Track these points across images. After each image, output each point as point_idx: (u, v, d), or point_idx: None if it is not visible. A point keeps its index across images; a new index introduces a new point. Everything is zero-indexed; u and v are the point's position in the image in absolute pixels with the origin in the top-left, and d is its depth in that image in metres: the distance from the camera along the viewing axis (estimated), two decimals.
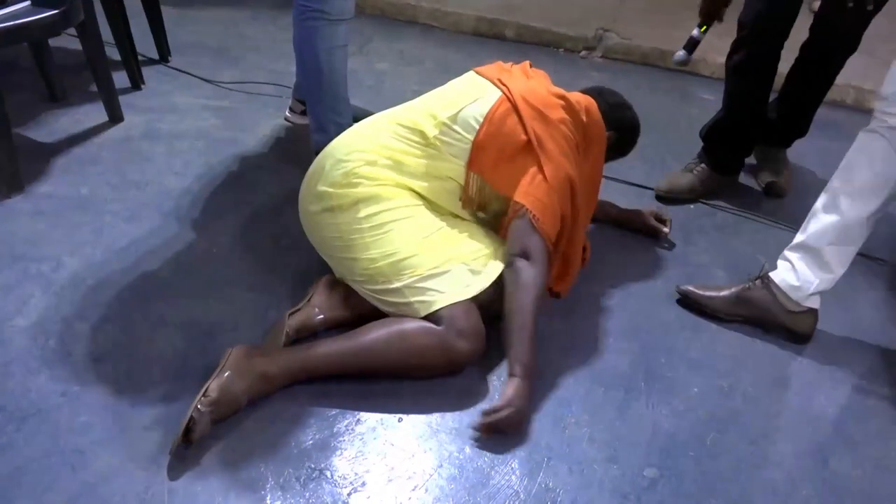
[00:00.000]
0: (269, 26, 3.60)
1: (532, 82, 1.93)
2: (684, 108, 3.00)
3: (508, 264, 1.79)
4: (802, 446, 1.67)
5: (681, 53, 2.38)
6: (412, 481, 1.54)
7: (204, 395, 1.59)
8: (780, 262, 1.97)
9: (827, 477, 1.61)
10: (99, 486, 1.49)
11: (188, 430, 1.55)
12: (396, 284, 1.75)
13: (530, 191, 1.82)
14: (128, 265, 2.05)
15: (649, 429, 1.68)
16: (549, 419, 1.69)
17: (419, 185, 1.83)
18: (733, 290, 2.00)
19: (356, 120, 2.65)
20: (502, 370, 1.79)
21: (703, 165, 2.52)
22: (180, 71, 3.03)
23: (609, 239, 2.28)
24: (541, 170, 1.82)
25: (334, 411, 1.68)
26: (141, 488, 1.50)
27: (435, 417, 1.68)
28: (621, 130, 2.08)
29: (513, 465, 1.58)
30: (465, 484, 1.54)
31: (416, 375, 1.74)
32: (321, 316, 1.83)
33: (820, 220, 1.86)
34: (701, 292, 2.02)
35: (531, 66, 2.07)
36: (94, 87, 2.74)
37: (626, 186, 2.54)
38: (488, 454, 1.60)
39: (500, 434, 1.63)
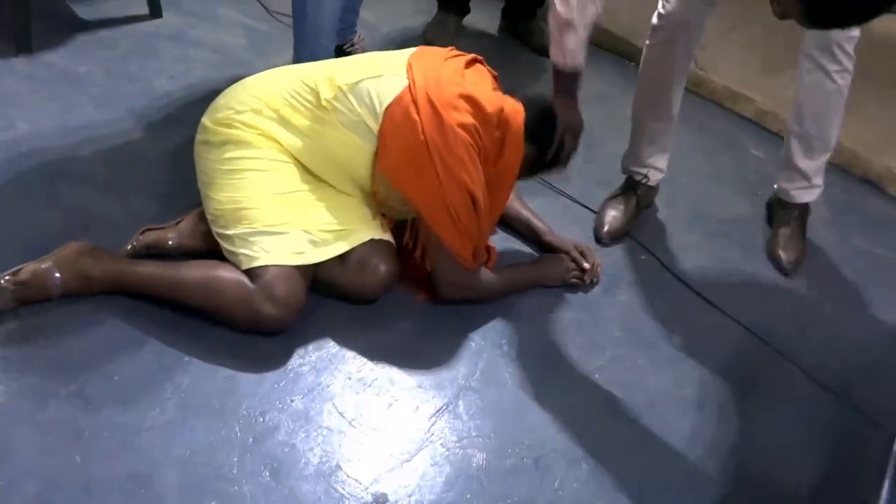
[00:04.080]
0: None
1: (448, 74, 1.80)
2: (720, 156, 2.74)
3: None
4: None
5: None
6: (156, 418, 1.56)
7: (13, 273, 1.68)
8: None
9: None
10: None
11: None
12: (230, 232, 1.75)
13: (435, 216, 1.79)
14: (66, 144, 2.18)
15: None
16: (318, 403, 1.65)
17: (297, 147, 1.80)
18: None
19: None
20: (312, 350, 1.77)
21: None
22: None
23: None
24: (439, 182, 1.74)
25: (135, 332, 1.72)
26: None
27: (222, 371, 1.68)
28: (544, 150, 1.90)
29: (249, 441, 1.56)
30: (204, 439, 1.54)
31: (223, 323, 1.74)
32: (173, 242, 1.87)
33: None
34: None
35: (482, 62, 1.95)
36: None
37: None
38: (241, 422, 1.59)
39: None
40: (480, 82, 1.87)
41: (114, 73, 2.51)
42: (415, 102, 1.73)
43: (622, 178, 2.49)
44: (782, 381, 1.96)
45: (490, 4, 3.29)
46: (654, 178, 2.35)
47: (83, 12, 2.77)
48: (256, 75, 1.92)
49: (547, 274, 2.07)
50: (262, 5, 3.03)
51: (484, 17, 3.24)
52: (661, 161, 2.34)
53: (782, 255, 2.31)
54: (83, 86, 2.42)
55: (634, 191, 2.34)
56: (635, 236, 2.29)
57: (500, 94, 1.89)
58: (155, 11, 2.80)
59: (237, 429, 1.58)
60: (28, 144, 2.16)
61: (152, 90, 2.47)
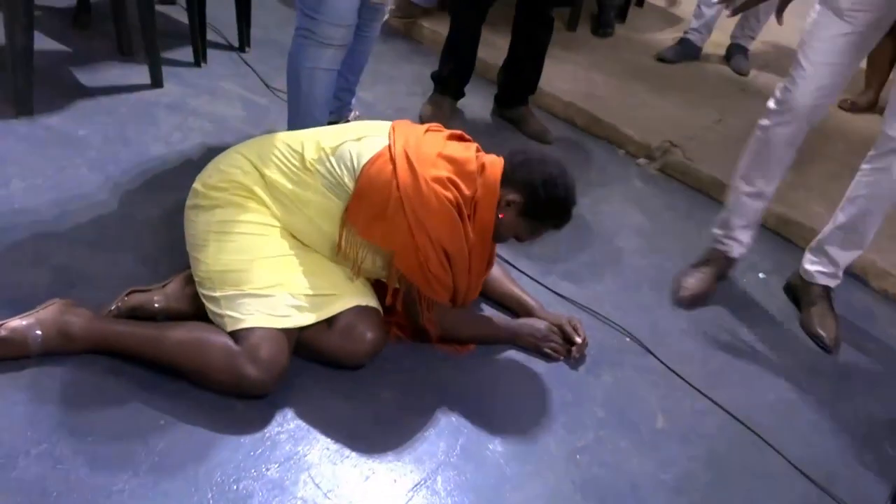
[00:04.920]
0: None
1: (429, 139, 1.87)
2: (706, 244, 2.76)
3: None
4: None
5: None
6: (127, 481, 1.52)
7: None
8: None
9: None
10: None
11: None
12: (217, 293, 1.75)
13: (405, 262, 1.82)
14: (58, 204, 2.20)
15: None
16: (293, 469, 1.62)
17: (281, 212, 1.83)
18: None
19: None
20: (291, 417, 1.74)
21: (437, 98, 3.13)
22: (247, 64, 3.20)
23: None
24: (411, 234, 1.78)
25: (113, 392, 1.70)
26: None
27: (198, 435, 1.65)
28: (531, 190, 1.87)
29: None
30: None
31: (204, 385, 1.72)
32: (159, 305, 1.85)
33: None
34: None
35: (466, 137, 2.00)
36: (164, 55, 2.98)
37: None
38: (214, 489, 1.55)
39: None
40: (461, 148, 1.92)
41: (111, 137, 2.55)
42: (392, 160, 1.78)
43: (609, 263, 2.52)
44: (765, 468, 1.94)
45: (484, 89, 3.38)
46: (737, 251, 2.48)
47: (85, 79, 2.83)
48: (248, 140, 1.96)
49: (522, 332, 2.08)
50: (262, 81, 3.10)
51: (478, 101, 3.33)
52: (747, 236, 2.48)
53: (822, 333, 2.41)
54: (80, 148, 2.45)
55: (716, 261, 2.48)
56: (618, 320, 2.29)
57: (483, 154, 1.94)
58: (156, 81, 2.86)
59: (210, 495, 1.54)
60: (20, 202, 2.17)
61: (148, 155, 2.50)
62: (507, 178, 1.89)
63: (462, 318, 2.02)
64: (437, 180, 1.79)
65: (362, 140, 1.82)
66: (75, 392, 1.68)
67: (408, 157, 1.78)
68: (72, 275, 1.97)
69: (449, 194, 1.80)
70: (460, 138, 1.96)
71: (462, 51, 3.06)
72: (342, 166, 1.80)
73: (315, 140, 1.85)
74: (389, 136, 1.83)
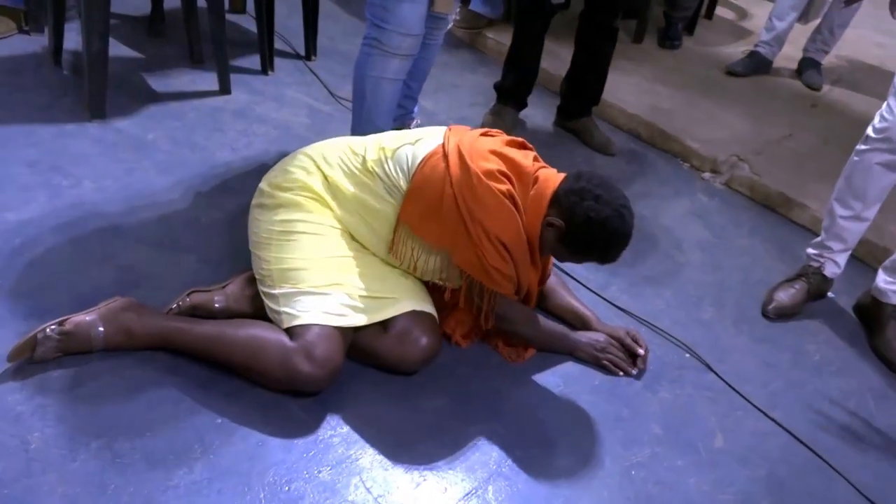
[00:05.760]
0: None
1: (484, 140, 1.86)
2: (771, 262, 2.69)
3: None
4: None
5: None
6: (182, 477, 1.55)
7: (60, 323, 1.71)
8: None
9: None
10: None
11: (32, 347, 1.68)
12: (276, 291, 1.78)
13: (463, 258, 1.82)
14: (126, 204, 2.26)
15: None
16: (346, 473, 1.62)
17: (340, 210, 1.85)
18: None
19: None
20: (344, 420, 1.75)
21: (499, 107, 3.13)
22: (313, 73, 3.25)
23: None
24: (466, 230, 1.78)
25: (171, 390, 1.73)
26: None
27: (252, 435, 1.67)
28: (573, 222, 1.82)
29: None
30: (228, 502, 1.53)
31: (259, 382, 1.75)
32: (219, 305, 1.88)
33: None
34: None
35: (527, 146, 1.98)
36: (233, 63, 3.05)
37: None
38: (267, 489, 1.57)
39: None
40: (519, 154, 1.89)
41: (179, 141, 2.61)
42: (445, 156, 1.78)
43: (670, 278, 2.47)
44: (829, 494, 1.86)
45: (547, 100, 3.37)
46: (831, 270, 2.46)
47: (157, 84, 2.91)
48: (315, 143, 1.98)
49: (582, 344, 2.05)
50: (327, 89, 3.14)
51: (540, 112, 3.31)
52: (842, 258, 2.45)
53: (894, 355, 2.33)
54: (148, 151, 2.52)
55: (808, 277, 2.46)
56: (678, 335, 2.24)
57: (541, 164, 1.91)
58: (224, 88, 2.92)
59: (262, 495, 1.55)
60: (91, 201, 2.23)
61: (213, 160, 2.55)
62: (557, 199, 1.84)
63: (526, 313, 1.98)
64: (488, 173, 1.77)
65: (418, 143, 1.84)
66: (135, 388, 1.71)
67: (460, 153, 1.78)
68: (135, 274, 2.02)
69: (502, 186, 1.78)
70: (521, 146, 1.94)
71: (525, 61, 3.06)
72: (398, 169, 1.81)
73: (377, 143, 1.87)
74: (444, 137, 1.84)
